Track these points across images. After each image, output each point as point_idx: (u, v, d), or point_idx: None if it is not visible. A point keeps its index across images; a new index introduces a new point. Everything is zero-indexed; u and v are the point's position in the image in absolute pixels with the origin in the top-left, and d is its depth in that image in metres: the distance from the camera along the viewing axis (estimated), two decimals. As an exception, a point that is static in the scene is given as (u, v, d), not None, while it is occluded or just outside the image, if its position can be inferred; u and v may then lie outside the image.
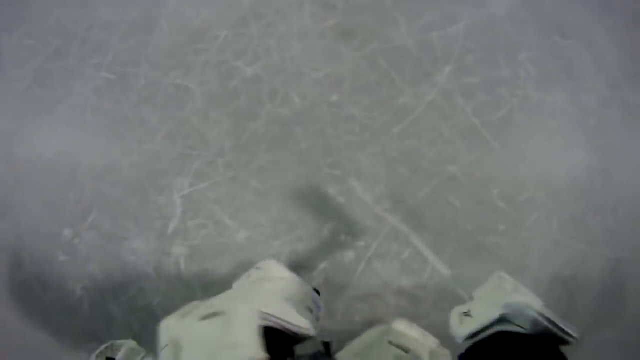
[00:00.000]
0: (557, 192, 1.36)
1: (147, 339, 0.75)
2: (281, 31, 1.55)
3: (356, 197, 1.28)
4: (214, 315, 0.56)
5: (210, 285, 1.22)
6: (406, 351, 0.70)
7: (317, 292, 1.08)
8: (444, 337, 0.98)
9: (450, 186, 1.32)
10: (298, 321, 0.58)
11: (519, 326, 0.59)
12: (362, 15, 1.57)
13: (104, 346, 0.92)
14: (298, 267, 1.17)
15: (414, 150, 1.34)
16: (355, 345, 0.76)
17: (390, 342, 0.73)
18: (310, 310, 0.64)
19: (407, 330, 0.88)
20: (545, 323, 0.57)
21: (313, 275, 1.22)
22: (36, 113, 1.49)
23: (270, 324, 0.55)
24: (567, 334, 0.58)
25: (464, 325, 0.64)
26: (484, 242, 1.29)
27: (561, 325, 0.59)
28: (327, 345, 1.03)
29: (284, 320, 0.56)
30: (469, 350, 0.61)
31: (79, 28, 1.64)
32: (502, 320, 0.60)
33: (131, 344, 0.92)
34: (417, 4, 1.61)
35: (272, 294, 0.64)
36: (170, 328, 0.59)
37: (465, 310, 0.66)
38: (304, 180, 1.31)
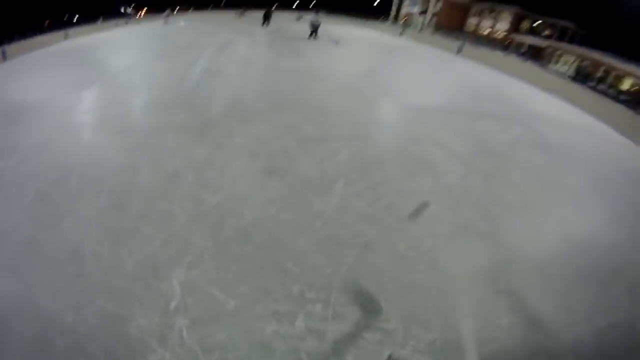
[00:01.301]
0: (450, 237, 2.08)
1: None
2: (229, 173, 2.30)
3: (307, 266, 1.80)
4: None
5: (210, 349, 1.38)
6: None
7: None
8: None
9: (368, 247, 1.96)
10: None
11: None
12: (277, 159, 2.52)
13: None
14: (280, 322, 1.45)
15: (334, 234, 2.02)
16: None
17: None
18: None
19: None
20: None
21: (295, 325, 1.53)
22: (43, 224, 1.68)
23: None
24: None
25: None
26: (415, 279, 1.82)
27: None
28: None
29: None
30: None
31: (73, 166, 2.03)
32: None
33: None
34: (313, 146, 2.73)
35: None
36: None
37: None
38: (267, 262, 1.79)
